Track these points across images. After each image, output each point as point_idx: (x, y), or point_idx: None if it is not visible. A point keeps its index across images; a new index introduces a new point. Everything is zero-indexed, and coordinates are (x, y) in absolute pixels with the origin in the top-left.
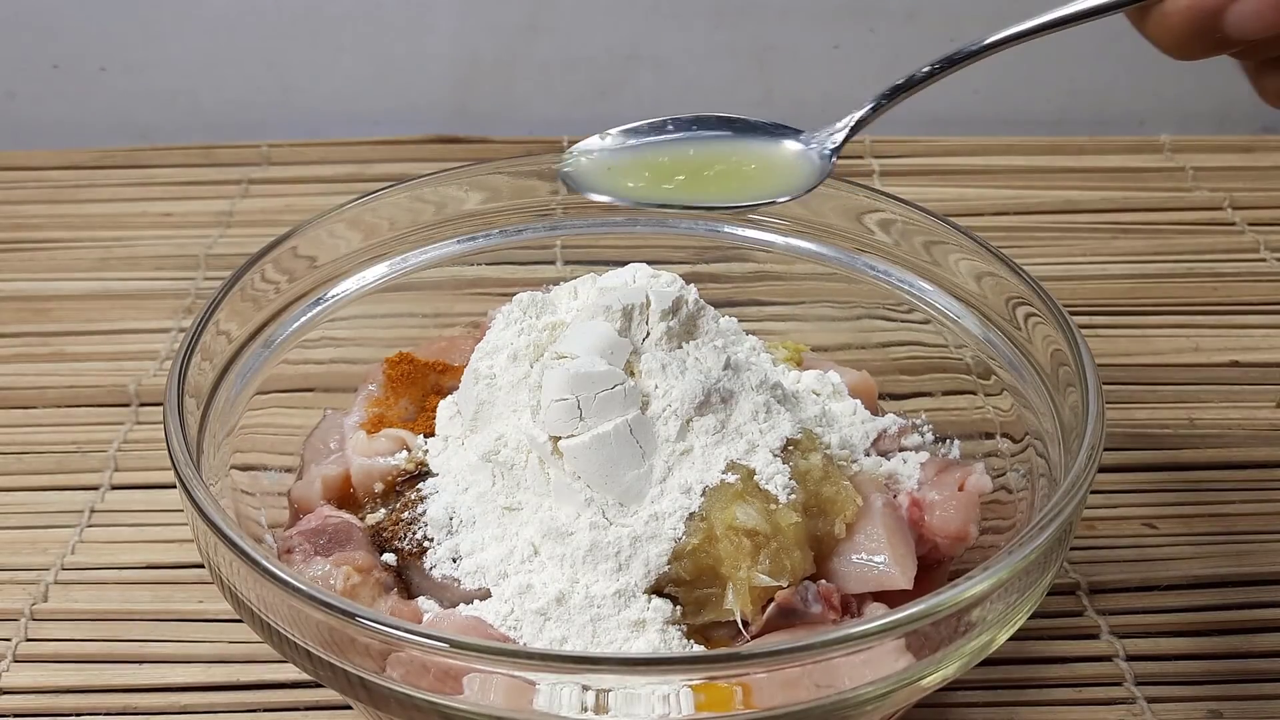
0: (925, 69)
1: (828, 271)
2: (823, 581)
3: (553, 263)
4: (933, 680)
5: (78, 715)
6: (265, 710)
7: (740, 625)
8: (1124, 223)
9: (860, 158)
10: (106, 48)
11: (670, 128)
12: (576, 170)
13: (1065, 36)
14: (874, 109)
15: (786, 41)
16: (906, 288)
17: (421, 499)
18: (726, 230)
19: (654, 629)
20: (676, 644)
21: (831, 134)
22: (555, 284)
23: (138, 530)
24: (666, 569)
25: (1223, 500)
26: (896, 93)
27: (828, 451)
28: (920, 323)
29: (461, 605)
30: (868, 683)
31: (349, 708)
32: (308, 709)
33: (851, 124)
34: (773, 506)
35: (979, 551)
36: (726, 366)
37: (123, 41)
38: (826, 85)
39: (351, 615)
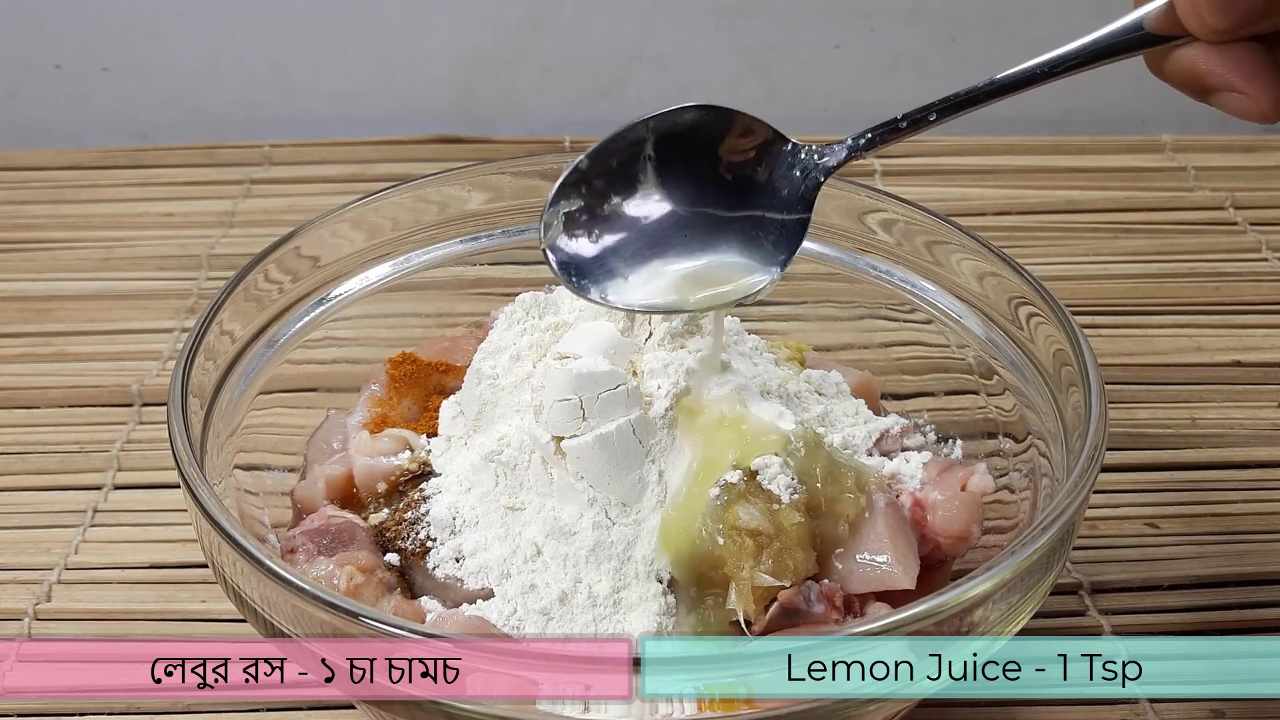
0: (933, 115)
1: (830, 271)
2: (825, 581)
3: None
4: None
5: (81, 715)
6: (269, 710)
7: (743, 625)
8: (1126, 222)
9: (862, 158)
10: (109, 48)
11: (651, 126)
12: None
13: (1067, 35)
14: (868, 144)
15: (788, 41)
16: (908, 288)
17: (424, 499)
18: None
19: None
20: None
21: (822, 163)
22: (558, 284)
23: (141, 530)
24: (669, 569)
25: (1225, 500)
26: (892, 131)
27: (830, 452)
28: (922, 323)
29: (464, 605)
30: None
31: (352, 707)
32: (310, 708)
33: (842, 157)
34: (775, 506)
35: (981, 551)
36: (728, 367)
37: (125, 42)
38: (828, 85)
39: (355, 615)
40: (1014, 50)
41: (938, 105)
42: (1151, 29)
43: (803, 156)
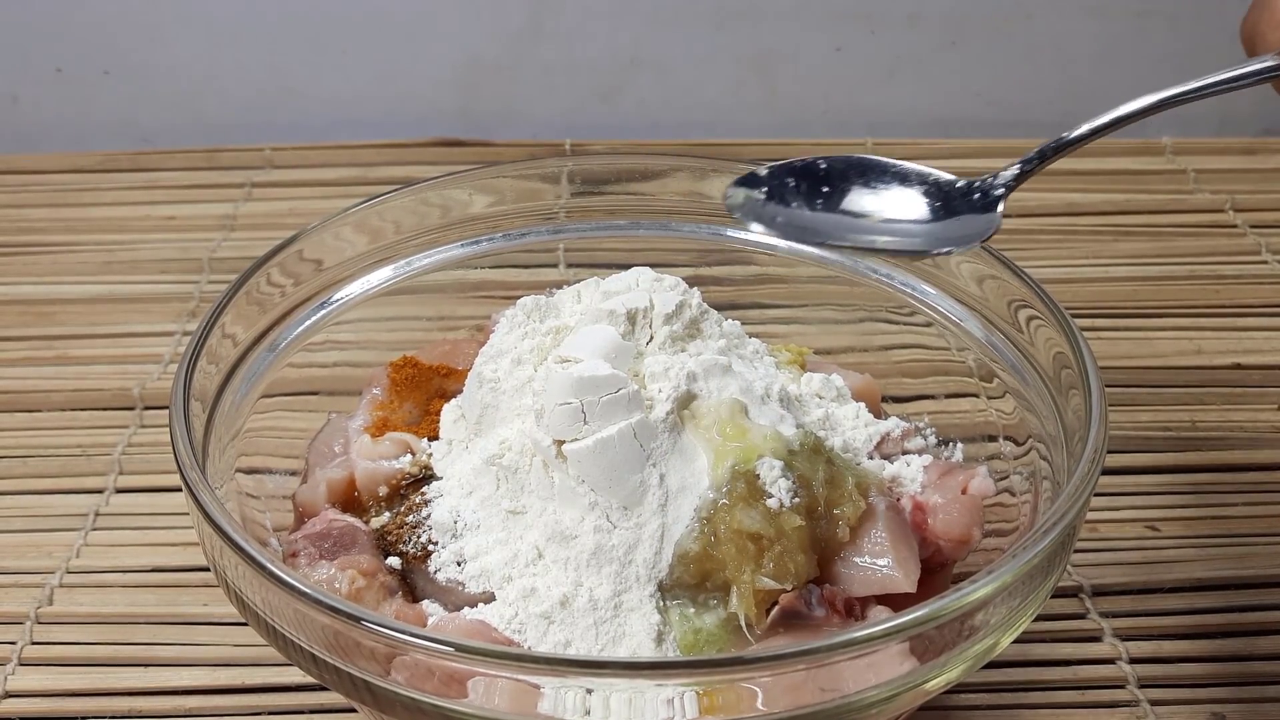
0: (1099, 126)
1: (830, 274)
2: (826, 585)
3: (556, 266)
4: (936, 684)
5: (84, 718)
6: (270, 713)
7: (744, 628)
8: (1126, 225)
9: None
10: (110, 51)
11: (823, 166)
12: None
13: (1067, 38)
14: (1040, 159)
15: (788, 44)
16: (909, 291)
17: (426, 503)
18: (729, 234)
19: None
20: None
21: (994, 185)
22: (559, 287)
23: (143, 533)
24: (670, 572)
25: (1225, 503)
26: (1064, 146)
27: (830, 455)
28: (923, 325)
29: (466, 609)
30: (872, 686)
31: (354, 711)
32: (312, 712)
33: (1015, 174)
34: (776, 510)
35: (982, 555)
36: (729, 370)
37: (126, 45)
38: (828, 88)
39: (356, 619)
40: (1013, 53)
41: (1101, 124)
42: None
43: (976, 184)
